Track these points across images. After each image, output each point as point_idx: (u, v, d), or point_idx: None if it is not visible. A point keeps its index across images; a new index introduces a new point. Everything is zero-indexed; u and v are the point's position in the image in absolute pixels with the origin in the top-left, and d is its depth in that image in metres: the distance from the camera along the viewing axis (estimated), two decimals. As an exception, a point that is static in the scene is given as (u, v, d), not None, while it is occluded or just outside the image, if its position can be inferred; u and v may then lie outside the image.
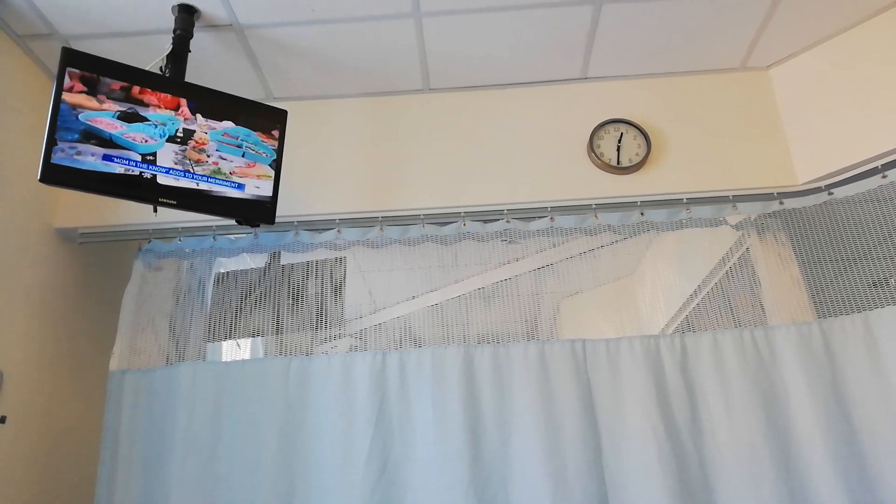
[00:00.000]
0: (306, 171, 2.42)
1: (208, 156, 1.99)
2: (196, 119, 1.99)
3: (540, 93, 2.52)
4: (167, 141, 1.95)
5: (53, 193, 2.32)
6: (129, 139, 1.89)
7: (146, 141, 1.91)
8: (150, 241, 2.40)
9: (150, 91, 1.94)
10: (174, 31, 2.10)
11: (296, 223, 2.38)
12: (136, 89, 1.93)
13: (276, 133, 2.12)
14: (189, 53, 2.12)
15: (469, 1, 2.13)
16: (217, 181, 2.01)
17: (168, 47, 2.09)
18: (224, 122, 2.04)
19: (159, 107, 1.95)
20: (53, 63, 2.20)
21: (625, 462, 1.98)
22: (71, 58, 1.85)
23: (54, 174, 1.80)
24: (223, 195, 2.02)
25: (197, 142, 1.97)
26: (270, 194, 2.10)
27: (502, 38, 2.30)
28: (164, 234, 2.38)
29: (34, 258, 2.21)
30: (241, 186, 2.06)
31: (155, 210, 2.04)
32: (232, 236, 2.40)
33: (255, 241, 2.39)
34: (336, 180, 2.42)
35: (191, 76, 2.10)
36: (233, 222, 2.25)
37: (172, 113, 1.97)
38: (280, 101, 2.52)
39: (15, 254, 2.12)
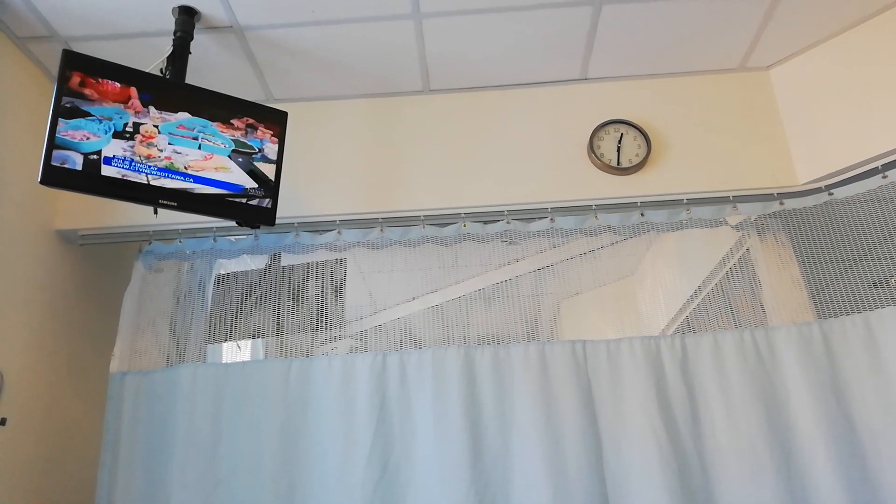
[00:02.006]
0: (306, 173, 2.42)
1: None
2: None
3: (540, 94, 2.52)
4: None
5: (54, 195, 2.32)
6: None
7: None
8: (150, 243, 2.40)
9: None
10: (174, 33, 2.10)
11: (296, 224, 2.38)
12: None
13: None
14: (189, 55, 2.12)
15: (469, 2, 2.13)
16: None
17: (168, 49, 2.09)
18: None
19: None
20: (53, 65, 2.20)
21: (625, 463, 1.97)
22: (71, 59, 1.85)
23: (54, 176, 1.79)
24: (217, 195, 1.99)
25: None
26: (269, 188, 2.09)
27: (502, 39, 2.30)
28: (165, 235, 2.38)
29: (35, 260, 2.21)
30: (238, 187, 2.06)
31: (155, 212, 2.04)
32: (232, 238, 2.40)
33: (255, 242, 2.39)
34: (336, 181, 2.42)
35: (191, 78, 2.10)
36: (233, 224, 2.25)
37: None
38: (280, 102, 2.52)
39: (15, 255, 2.12)
